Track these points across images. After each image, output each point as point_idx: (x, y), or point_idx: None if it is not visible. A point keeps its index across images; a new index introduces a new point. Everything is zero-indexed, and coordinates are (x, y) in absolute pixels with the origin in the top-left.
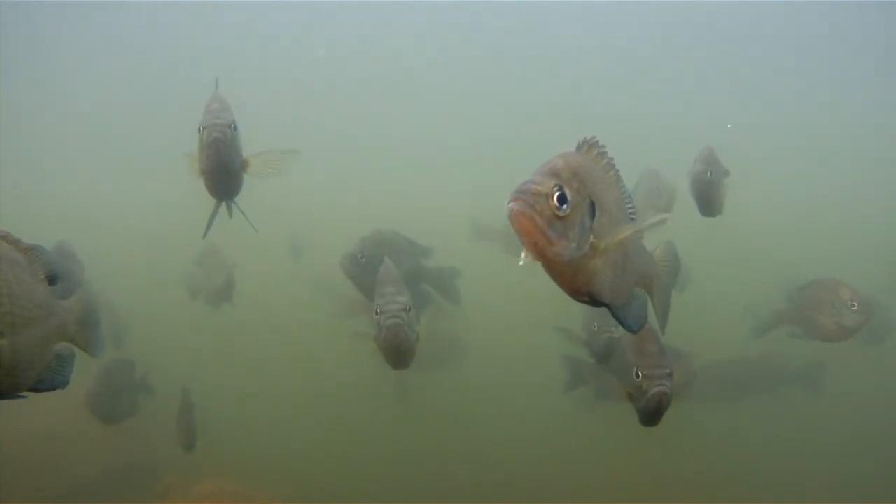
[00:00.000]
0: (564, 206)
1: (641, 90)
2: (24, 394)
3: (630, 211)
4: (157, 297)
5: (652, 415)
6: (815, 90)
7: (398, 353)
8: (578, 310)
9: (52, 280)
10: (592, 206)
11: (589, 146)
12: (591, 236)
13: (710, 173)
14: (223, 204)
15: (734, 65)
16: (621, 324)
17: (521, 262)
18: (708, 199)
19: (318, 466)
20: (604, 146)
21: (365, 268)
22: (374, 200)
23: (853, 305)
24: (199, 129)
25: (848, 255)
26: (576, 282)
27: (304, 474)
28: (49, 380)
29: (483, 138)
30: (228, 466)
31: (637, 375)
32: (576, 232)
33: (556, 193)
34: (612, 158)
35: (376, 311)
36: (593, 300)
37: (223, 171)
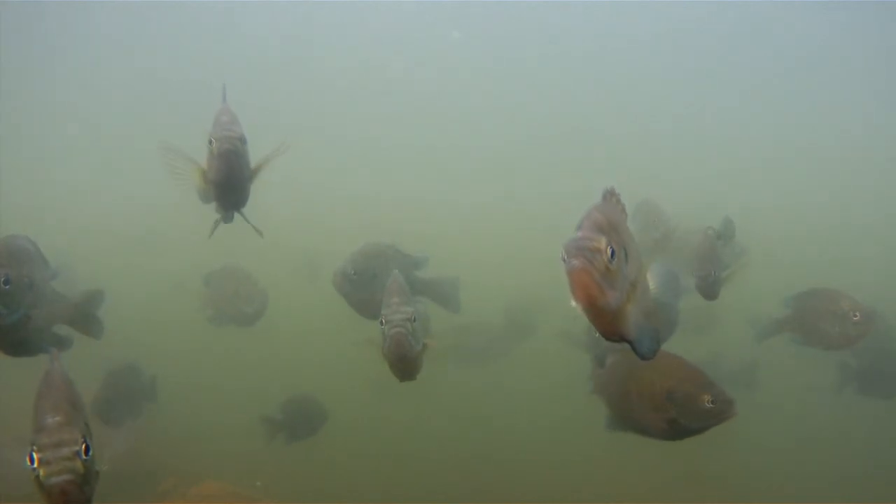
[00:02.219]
0: (615, 260)
1: (647, 93)
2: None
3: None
4: (155, 299)
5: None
6: (818, 94)
7: (402, 363)
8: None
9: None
10: (625, 254)
11: (611, 195)
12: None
13: (713, 273)
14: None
15: (734, 67)
16: (638, 353)
17: (573, 306)
18: (711, 295)
19: (319, 467)
20: (619, 193)
21: (356, 284)
22: (389, 210)
23: (855, 316)
24: (210, 140)
25: (848, 260)
26: (613, 326)
27: (305, 475)
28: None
29: (499, 148)
30: (228, 467)
31: (711, 402)
32: (619, 282)
33: (609, 249)
34: (625, 206)
35: (381, 322)
36: (622, 339)
37: (234, 183)
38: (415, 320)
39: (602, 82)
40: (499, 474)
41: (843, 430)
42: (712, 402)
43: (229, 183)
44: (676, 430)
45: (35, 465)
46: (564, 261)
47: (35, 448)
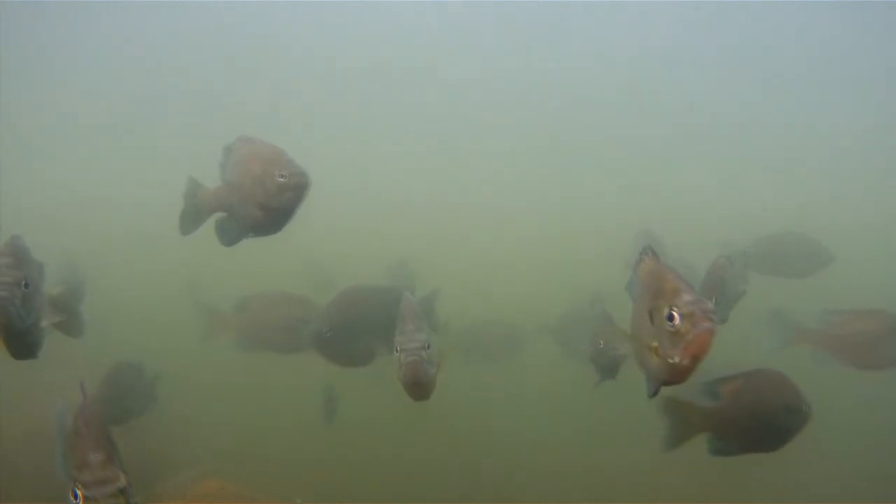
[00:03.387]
0: None
1: (650, 94)
2: None
3: None
4: (155, 298)
5: None
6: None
7: (418, 389)
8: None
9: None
10: None
11: (652, 252)
12: None
13: (714, 300)
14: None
15: (745, 67)
16: (652, 392)
17: (676, 360)
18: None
19: (319, 467)
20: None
21: (332, 341)
22: (410, 212)
23: None
24: (282, 175)
25: (852, 264)
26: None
27: (305, 475)
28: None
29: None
30: (229, 466)
31: (806, 408)
32: None
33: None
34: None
35: (396, 349)
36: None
37: (292, 215)
38: (429, 347)
39: (613, 86)
40: (503, 477)
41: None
42: (807, 408)
43: (290, 214)
44: (783, 441)
45: (80, 502)
46: (675, 321)
47: (79, 485)
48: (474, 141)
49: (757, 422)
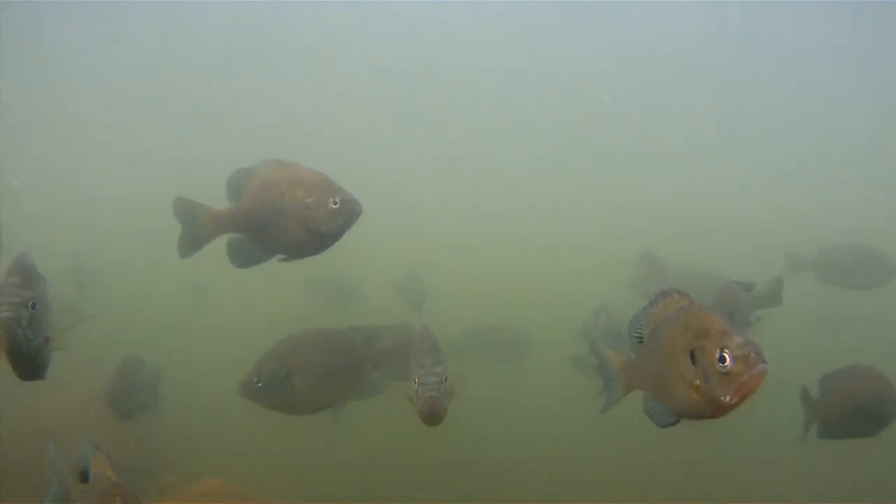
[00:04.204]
0: None
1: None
2: None
3: None
4: (157, 296)
5: None
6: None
7: (435, 420)
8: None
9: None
10: None
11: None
12: None
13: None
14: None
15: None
16: (663, 421)
17: (728, 399)
18: None
19: (319, 466)
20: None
21: (266, 390)
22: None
23: None
24: (335, 200)
25: None
26: None
27: (305, 474)
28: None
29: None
30: (228, 465)
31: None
32: None
33: None
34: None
35: (414, 381)
36: None
37: (336, 240)
38: (446, 379)
39: (630, 90)
40: (504, 478)
41: None
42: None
43: (336, 240)
44: (880, 428)
45: None
46: (727, 362)
47: None
48: (487, 145)
49: (857, 410)
